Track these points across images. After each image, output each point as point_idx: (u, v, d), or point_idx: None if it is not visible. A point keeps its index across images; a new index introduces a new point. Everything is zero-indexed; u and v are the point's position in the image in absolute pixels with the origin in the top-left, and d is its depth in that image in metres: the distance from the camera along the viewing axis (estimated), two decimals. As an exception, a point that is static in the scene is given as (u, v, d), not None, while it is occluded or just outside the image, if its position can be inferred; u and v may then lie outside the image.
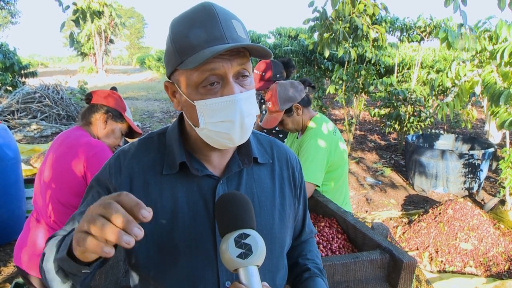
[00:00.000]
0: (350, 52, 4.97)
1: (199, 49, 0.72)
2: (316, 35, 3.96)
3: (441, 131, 8.15)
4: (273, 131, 2.76)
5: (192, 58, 0.72)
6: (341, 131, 7.58)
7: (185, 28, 0.75)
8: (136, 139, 0.92)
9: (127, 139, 2.22)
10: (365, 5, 3.62)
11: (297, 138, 2.11)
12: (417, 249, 3.50)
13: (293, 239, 1.03)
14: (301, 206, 1.04)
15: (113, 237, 0.54)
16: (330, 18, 3.71)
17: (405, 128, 6.59)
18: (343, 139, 2.06)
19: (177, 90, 0.81)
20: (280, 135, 2.76)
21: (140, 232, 0.56)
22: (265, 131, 2.78)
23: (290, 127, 2.00)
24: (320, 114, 2.03)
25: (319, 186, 1.86)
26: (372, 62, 7.36)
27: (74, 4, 3.05)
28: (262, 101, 2.95)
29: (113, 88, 1.96)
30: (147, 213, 0.57)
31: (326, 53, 3.90)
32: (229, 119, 0.76)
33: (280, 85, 1.93)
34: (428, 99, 6.69)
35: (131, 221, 0.55)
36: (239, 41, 0.74)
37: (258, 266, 0.65)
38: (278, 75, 2.61)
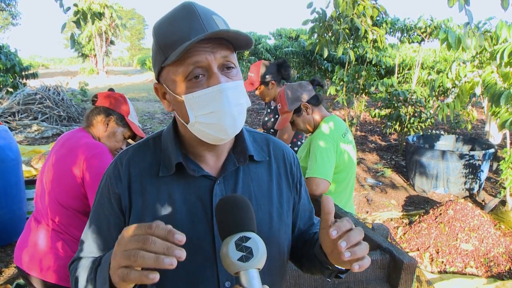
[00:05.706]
0: (349, 53, 4.98)
1: (181, 42, 0.74)
2: (315, 36, 3.96)
3: (442, 132, 8.15)
4: (271, 131, 2.76)
5: (175, 52, 0.74)
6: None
7: (167, 26, 0.78)
8: (131, 145, 0.93)
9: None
10: (364, 7, 3.62)
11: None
12: (418, 249, 3.50)
13: (302, 231, 1.01)
14: (306, 200, 1.03)
15: (155, 263, 0.58)
16: (330, 19, 3.71)
17: (405, 129, 6.59)
18: (354, 144, 2.04)
19: (166, 90, 0.82)
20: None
21: (181, 253, 0.59)
22: (264, 131, 2.78)
23: (302, 127, 2.01)
24: (334, 115, 2.01)
25: (330, 183, 1.83)
26: (373, 63, 7.37)
27: (75, 5, 3.07)
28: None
29: (111, 89, 1.95)
30: (180, 237, 0.60)
31: (325, 53, 3.89)
32: (217, 109, 0.77)
33: (288, 87, 1.97)
34: (429, 100, 6.69)
35: (170, 246, 0.59)
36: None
37: (259, 269, 0.65)
38: (267, 76, 2.62)
